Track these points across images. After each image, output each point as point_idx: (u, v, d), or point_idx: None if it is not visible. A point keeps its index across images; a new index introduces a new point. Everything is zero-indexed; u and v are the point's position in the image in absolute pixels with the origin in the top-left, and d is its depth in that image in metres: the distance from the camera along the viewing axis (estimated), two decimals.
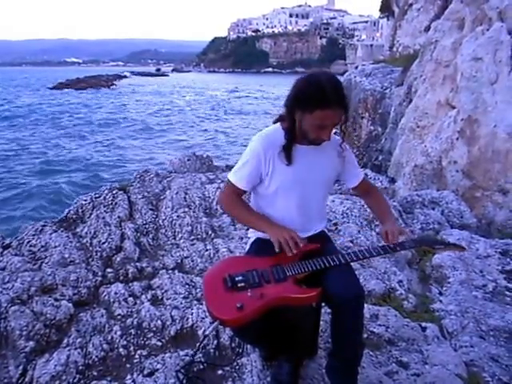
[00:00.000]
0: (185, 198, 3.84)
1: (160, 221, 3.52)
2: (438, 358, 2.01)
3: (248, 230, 1.88)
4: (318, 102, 1.48)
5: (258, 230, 1.70)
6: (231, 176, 1.71)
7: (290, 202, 1.68)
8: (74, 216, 3.44)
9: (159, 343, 2.18)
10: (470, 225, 3.80)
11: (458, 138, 4.54)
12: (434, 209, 3.97)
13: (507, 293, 2.64)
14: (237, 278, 1.51)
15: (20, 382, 1.95)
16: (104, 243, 3.06)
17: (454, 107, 4.92)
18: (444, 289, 2.71)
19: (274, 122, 1.72)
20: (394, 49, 14.99)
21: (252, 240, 1.81)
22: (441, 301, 2.57)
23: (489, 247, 3.17)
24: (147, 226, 3.44)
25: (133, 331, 2.24)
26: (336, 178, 1.80)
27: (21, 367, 1.99)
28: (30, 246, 2.96)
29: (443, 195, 4.16)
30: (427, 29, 7.74)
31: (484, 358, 2.05)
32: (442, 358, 2.01)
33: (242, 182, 1.67)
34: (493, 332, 2.26)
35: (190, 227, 3.42)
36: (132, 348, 2.15)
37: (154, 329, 2.26)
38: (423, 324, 2.30)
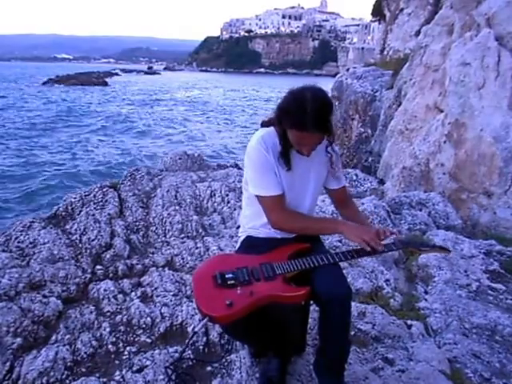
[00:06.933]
0: (176, 196, 3.85)
1: (150, 218, 3.52)
2: (422, 355, 2.05)
3: (238, 228, 1.89)
4: (295, 122, 1.47)
5: (333, 233, 1.63)
6: (262, 191, 1.60)
7: (287, 203, 1.69)
8: (64, 213, 3.42)
9: (148, 340, 2.19)
10: (455, 226, 3.88)
11: (445, 141, 4.62)
12: (421, 210, 4.04)
13: (490, 292, 2.71)
14: (227, 276, 1.52)
15: (7, 378, 1.94)
16: (93, 240, 3.06)
17: (442, 111, 5.01)
18: (429, 288, 2.77)
19: (263, 124, 1.71)
20: (385, 52, 15.15)
21: (242, 238, 1.82)
22: (426, 299, 2.62)
23: (473, 248, 3.24)
24: (137, 223, 3.44)
25: (122, 328, 2.25)
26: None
27: (8, 364, 1.98)
28: (18, 242, 2.93)
29: (430, 197, 4.24)
30: (417, 33, 7.85)
31: (467, 355, 2.10)
32: (427, 354, 2.05)
33: (276, 188, 1.60)
34: (475, 330, 2.31)
35: (180, 225, 3.43)
36: (121, 344, 2.15)
37: (144, 326, 2.26)
38: (409, 322, 2.35)
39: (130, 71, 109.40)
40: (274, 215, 1.62)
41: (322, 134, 1.53)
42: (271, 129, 1.66)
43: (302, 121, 1.45)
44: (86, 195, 3.63)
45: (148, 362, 1.98)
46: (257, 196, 1.63)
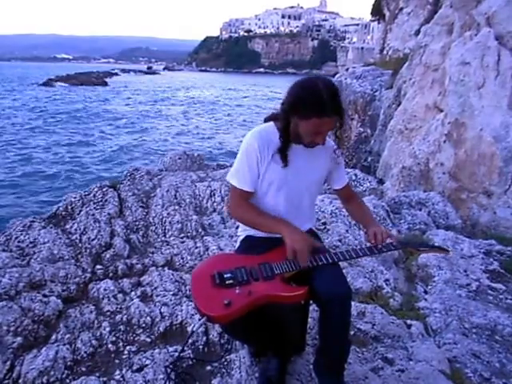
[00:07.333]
0: (175, 195, 3.85)
1: (150, 218, 3.53)
2: (422, 355, 2.05)
3: (238, 227, 1.90)
4: (315, 109, 1.46)
5: (275, 233, 1.63)
6: (233, 180, 1.65)
7: (279, 201, 1.69)
8: (64, 213, 3.43)
9: (148, 339, 2.19)
10: (455, 226, 3.88)
11: (445, 141, 4.62)
12: (420, 209, 4.05)
13: (490, 292, 2.71)
14: (225, 275, 1.52)
15: (7, 377, 1.94)
16: (93, 240, 3.06)
17: (441, 110, 5.01)
18: (429, 287, 2.77)
19: (266, 120, 1.71)
20: (385, 52, 15.16)
21: (242, 238, 1.82)
22: (426, 299, 2.62)
23: (473, 247, 3.24)
24: (137, 223, 3.45)
25: (122, 327, 2.25)
26: (325, 178, 1.83)
27: (8, 363, 1.99)
28: (18, 241, 2.94)
29: (430, 196, 4.24)
30: (417, 33, 7.86)
31: (466, 355, 2.10)
32: (426, 354, 2.05)
33: (246, 183, 1.63)
34: (475, 329, 2.31)
35: (180, 225, 3.44)
36: (121, 344, 2.16)
37: (144, 325, 2.27)
38: (408, 321, 2.34)
39: (130, 71, 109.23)
40: (232, 204, 1.69)
41: (339, 117, 1.53)
42: (271, 124, 1.66)
43: (322, 106, 1.45)
44: (85, 195, 3.64)
45: (148, 362, 1.98)
46: (230, 183, 1.68)
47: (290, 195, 1.69)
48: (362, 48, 27.44)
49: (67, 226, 3.23)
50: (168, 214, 3.54)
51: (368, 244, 1.73)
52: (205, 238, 3.28)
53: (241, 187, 1.64)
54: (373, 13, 19.27)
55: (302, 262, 1.54)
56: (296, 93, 1.52)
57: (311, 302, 1.80)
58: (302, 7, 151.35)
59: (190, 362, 2.00)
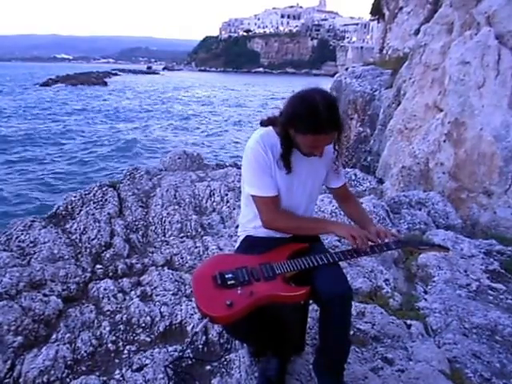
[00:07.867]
0: (175, 195, 3.85)
1: (150, 218, 3.53)
2: (422, 355, 2.05)
3: (237, 227, 1.89)
4: (312, 126, 1.46)
5: (326, 233, 1.67)
6: (257, 191, 1.62)
7: (285, 205, 1.69)
8: (64, 212, 3.43)
9: (148, 339, 2.19)
10: (455, 225, 3.88)
11: (445, 141, 4.62)
12: (420, 209, 4.04)
13: (490, 292, 2.71)
14: (227, 276, 1.52)
15: (8, 376, 1.94)
16: (93, 239, 3.06)
17: (441, 110, 5.01)
18: (429, 287, 2.77)
19: (262, 124, 1.70)
20: (384, 51, 15.15)
21: (242, 238, 1.82)
22: (426, 299, 2.62)
23: (473, 247, 3.24)
24: (137, 222, 3.45)
25: (122, 327, 2.25)
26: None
27: (9, 362, 1.99)
28: (19, 241, 2.94)
29: (430, 196, 4.24)
30: (417, 32, 7.85)
31: (467, 355, 2.10)
32: (426, 354, 2.05)
33: (271, 189, 1.61)
34: (475, 330, 2.31)
35: (179, 224, 3.44)
36: (121, 343, 2.16)
37: (143, 325, 2.27)
38: (408, 321, 2.34)
39: (129, 71, 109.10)
40: (266, 215, 1.64)
41: (336, 132, 1.54)
42: (270, 129, 1.65)
43: (319, 124, 1.45)
44: (85, 194, 3.64)
45: (148, 361, 1.98)
46: (252, 195, 1.65)
47: (295, 201, 1.70)
48: (362, 47, 27.42)
49: (67, 226, 3.23)
50: (168, 213, 3.54)
51: (369, 243, 1.73)
52: (204, 237, 3.28)
53: (266, 194, 1.61)
54: (372, 12, 19.22)
55: (363, 246, 1.57)
56: (295, 107, 1.51)
57: (311, 301, 1.80)
58: (301, 7, 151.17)
59: (190, 362, 2.00)
